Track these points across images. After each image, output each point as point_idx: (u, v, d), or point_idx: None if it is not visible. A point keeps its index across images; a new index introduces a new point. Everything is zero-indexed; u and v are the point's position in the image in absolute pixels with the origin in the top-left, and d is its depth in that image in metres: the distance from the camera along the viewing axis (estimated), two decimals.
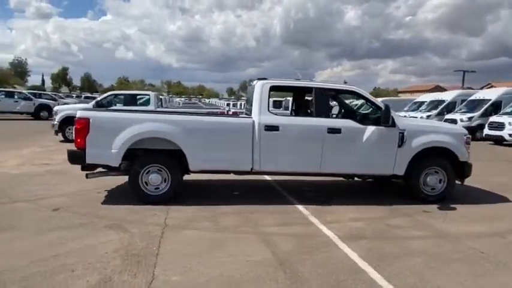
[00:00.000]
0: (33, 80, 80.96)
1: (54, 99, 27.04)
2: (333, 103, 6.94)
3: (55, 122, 12.11)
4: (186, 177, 5.91)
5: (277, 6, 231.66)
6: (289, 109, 8.98)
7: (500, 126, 15.52)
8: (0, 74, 50.65)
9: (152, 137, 5.20)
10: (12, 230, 4.13)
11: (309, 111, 6.09)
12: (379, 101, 6.03)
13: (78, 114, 5.17)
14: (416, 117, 20.32)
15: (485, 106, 18.06)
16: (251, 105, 5.61)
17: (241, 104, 28.94)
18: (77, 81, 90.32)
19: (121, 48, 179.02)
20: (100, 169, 5.42)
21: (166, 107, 16.86)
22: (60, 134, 12.15)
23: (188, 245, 3.88)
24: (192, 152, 5.23)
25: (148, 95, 13.66)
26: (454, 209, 5.52)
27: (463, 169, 5.84)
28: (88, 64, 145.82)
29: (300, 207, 5.38)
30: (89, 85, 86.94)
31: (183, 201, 5.37)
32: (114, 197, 5.66)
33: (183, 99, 65.35)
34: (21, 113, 22.85)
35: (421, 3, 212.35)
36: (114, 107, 12.11)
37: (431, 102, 22.85)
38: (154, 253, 3.62)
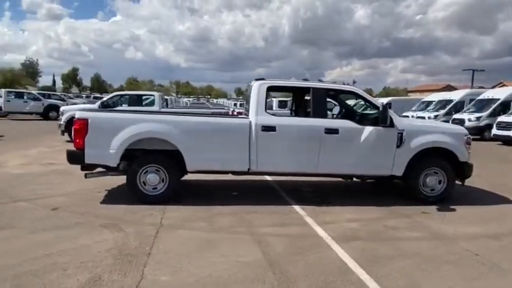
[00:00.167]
0: (45, 80, 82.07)
1: (63, 100, 27.43)
2: (334, 103, 6.95)
3: (61, 122, 12.27)
4: (185, 177, 5.97)
5: (285, 6, 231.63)
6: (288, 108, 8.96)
7: (508, 126, 15.25)
8: (12, 74, 51.26)
9: (150, 137, 5.25)
10: (10, 229, 4.21)
11: (308, 111, 6.08)
12: (377, 101, 6.00)
13: (77, 115, 5.25)
14: (423, 117, 20.18)
15: (494, 106, 17.77)
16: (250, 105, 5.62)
17: None
18: (87, 82, 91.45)
19: (130, 49, 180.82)
20: (99, 169, 5.50)
21: (171, 107, 17.01)
22: (66, 134, 12.30)
23: (181, 245, 3.91)
24: (189, 152, 5.26)
25: (153, 95, 13.77)
26: (454, 210, 5.46)
27: (463, 170, 5.77)
28: (98, 64, 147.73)
29: (297, 207, 5.37)
30: (98, 85, 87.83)
31: (181, 201, 5.41)
32: (113, 196, 5.72)
33: (191, 99, 65.61)
34: (31, 113, 23.28)
35: (431, 2, 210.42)
36: (118, 108, 12.25)
37: (439, 101, 22.61)
38: (146, 253, 3.66)
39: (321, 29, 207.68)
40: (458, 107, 20.81)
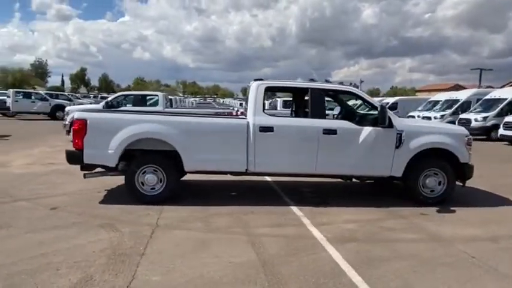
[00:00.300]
0: (53, 80, 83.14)
1: (70, 100, 27.69)
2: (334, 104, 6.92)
3: (66, 122, 12.38)
4: (184, 177, 5.99)
5: (293, 5, 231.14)
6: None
7: None
8: (22, 75, 51.91)
9: (148, 137, 5.27)
10: (7, 228, 4.26)
11: (307, 112, 6.06)
12: (376, 101, 5.96)
13: (76, 115, 5.29)
14: (429, 117, 20.01)
15: (501, 105, 17.53)
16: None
17: None
18: (95, 82, 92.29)
19: (138, 49, 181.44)
20: (98, 169, 5.54)
21: (176, 107, 17.08)
22: (71, 134, 12.41)
23: (175, 246, 3.92)
24: (187, 152, 5.28)
25: (157, 95, 13.86)
26: (453, 211, 5.40)
27: (463, 171, 5.70)
28: (106, 65, 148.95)
29: (295, 208, 5.36)
30: (106, 85, 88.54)
31: (179, 202, 5.43)
32: (112, 196, 5.76)
33: (197, 99, 65.80)
34: (38, 113, 23.54)
35: (440, 0, 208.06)
36: (122, 108, 12.33)
37: (446, 101, 22.35)
38: (140, 253, 3.68)
39: (328, 29, 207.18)
40: (465, 106, 20.56)
